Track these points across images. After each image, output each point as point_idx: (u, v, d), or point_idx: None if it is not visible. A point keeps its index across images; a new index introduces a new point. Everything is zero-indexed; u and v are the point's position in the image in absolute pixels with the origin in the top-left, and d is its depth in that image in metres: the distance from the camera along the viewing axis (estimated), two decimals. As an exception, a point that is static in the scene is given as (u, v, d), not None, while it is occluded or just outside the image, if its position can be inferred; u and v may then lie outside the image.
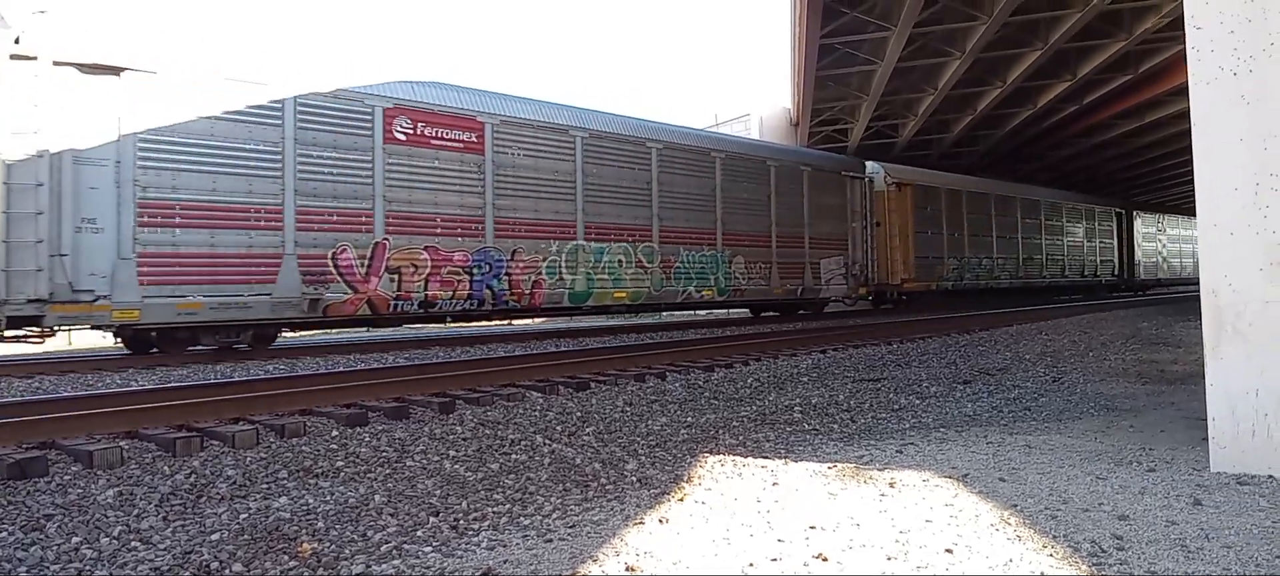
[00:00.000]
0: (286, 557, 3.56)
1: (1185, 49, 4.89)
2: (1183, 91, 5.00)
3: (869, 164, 23.22)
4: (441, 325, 19.21)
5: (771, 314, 22.06)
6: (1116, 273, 36.23)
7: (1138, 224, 38.20)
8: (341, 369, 10.03)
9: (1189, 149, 4.87)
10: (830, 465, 5.09)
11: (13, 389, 8.77)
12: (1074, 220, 33.38)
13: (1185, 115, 4.87)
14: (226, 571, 3.41)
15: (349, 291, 12.36)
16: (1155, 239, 40.02)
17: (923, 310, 23.14)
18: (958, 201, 26.19)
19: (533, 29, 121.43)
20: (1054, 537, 3.55)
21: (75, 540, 3.73)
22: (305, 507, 4.21)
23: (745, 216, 18.99)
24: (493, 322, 20.98)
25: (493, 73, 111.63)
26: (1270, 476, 4.43)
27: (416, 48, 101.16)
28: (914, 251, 23.85)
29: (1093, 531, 3.63)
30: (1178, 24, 5.04)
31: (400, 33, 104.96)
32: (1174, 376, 9.23)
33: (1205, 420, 4.77)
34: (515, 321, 21.38)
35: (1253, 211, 4.56)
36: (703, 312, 24.80)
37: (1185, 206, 43.49)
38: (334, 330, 18.05)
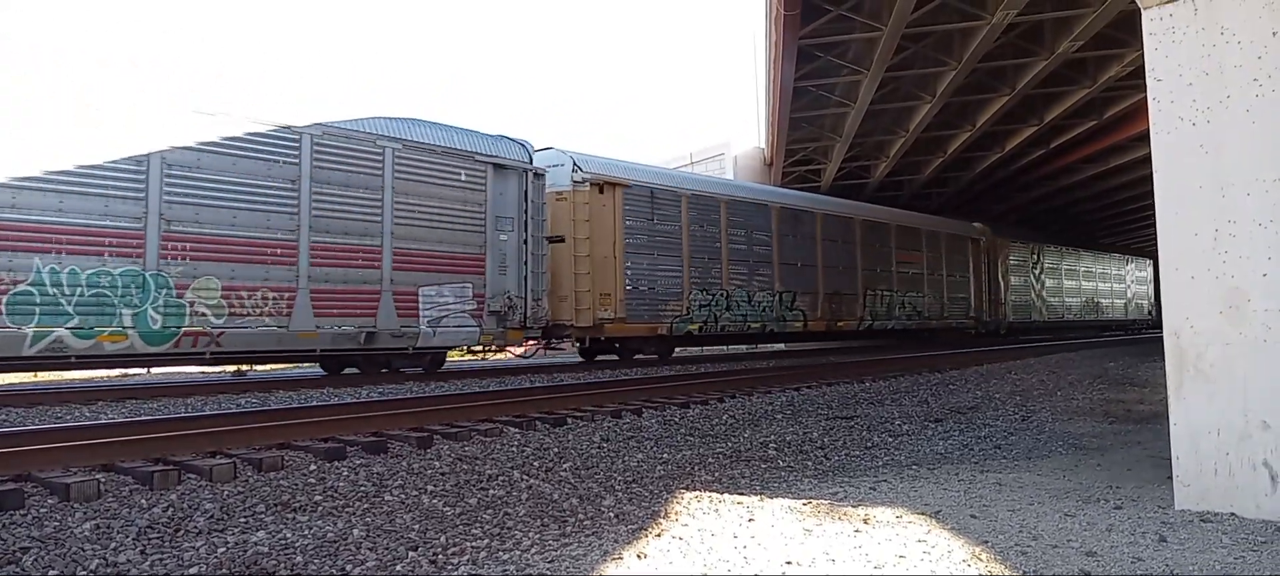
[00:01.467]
0: (266, 591, 3.57)
1: (1147, 98, 5.08)
2: (1145, 137, 5.18)
3: (547, 151, 17.06)
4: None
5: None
6: (975, 313, 29.20)
7: (1011, 258, 31.66)
8: (315, 403, 9.98)
9: (1151, 193, 5.04)
10: (805, 501, 5.16)
11: (-20, 421, 8.65)
12: (909, 246, 25.87)
13: (1148, 160, 5.06)
14: (207, 605, 3.41)
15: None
16: (1027, 273, 32.86)
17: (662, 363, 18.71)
18: (711, 214, 19.26)
19: (500, 62, 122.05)
20: (1024, 573, 3.64)
21: (52, 573, 3.71)
22: (283, 541, 4.21)
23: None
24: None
25: (465, 107, 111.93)
26: (1233, 514, 4.55)
27: (397, 88, 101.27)
28: (624, 280, 17.29)
29: (1062, 567, 3.71)
30: (1140, 72, 5.23)
31: (380, 73, 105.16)
32: (1140, 416, 9.41)
33: (1170, 459, 4.90)
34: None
35: (1212, 256, 4.73)
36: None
37: (1148, 249, 44.31)
38: (306, 364, 17.93)
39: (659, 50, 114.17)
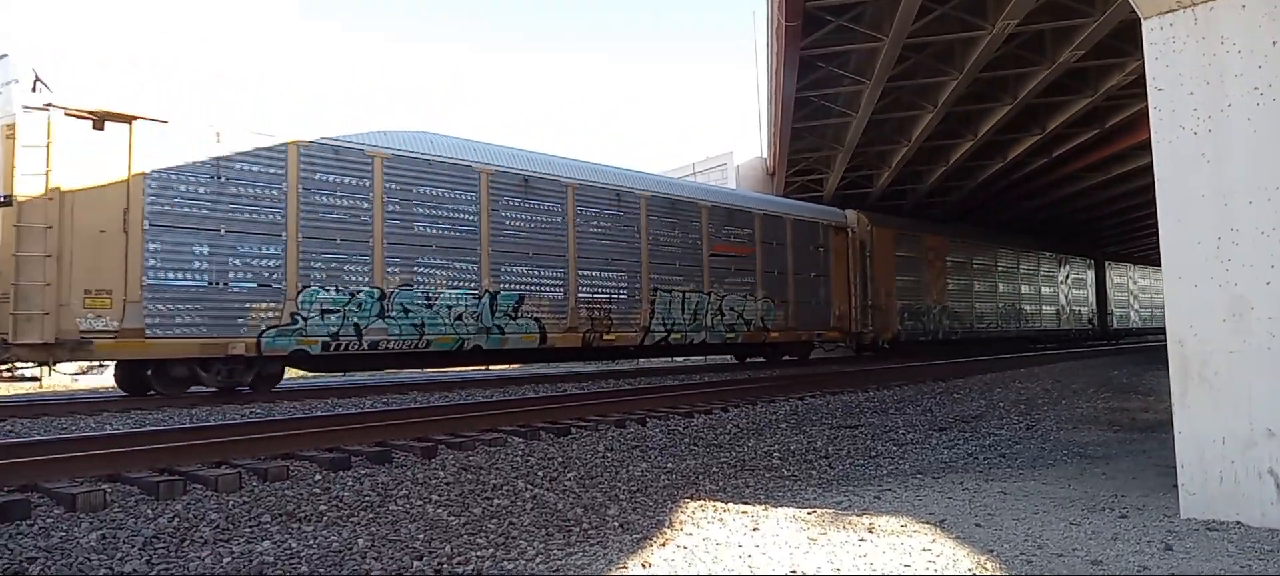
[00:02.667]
0: (273, 601, 3.58)
1: (1148, 107, 5.09)
2: (1147, 146, 5.19)
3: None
4: (420, 370, 18.73)
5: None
6: (839, 322, 23.22)
7: (899, 253, 26.08)
8: (320, 413, 10.00)
9: (1154, 202, 5.05)
10: (810, 510, 5.16)
11: (-15, 432, 8.67)
12: (733, 236, 19.89)
13: (1150, 169, 5.07)
14: (213, 614, 3.42)
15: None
16: (923, 272, 27.46)
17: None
18: (354, 170, 13.22)
19: (505, 71, 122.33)
20: (1030, 581, 3.64)
21: (59, 583, 3.73)
22: (289, 551, 4.22)
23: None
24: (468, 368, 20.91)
25: (468, 119, 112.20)
26: (1238, 522, 4.54)
27: (399, 101, 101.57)
28: (144, 270, 11.27)
29: (1067, 575, 3.71)
30: (1142, 81, 5.24)
31: (381, 87, 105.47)
32: (1145, 424, 9.40)
33: (1175, 467, 4.89)
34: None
35: (1215, 264, 4.73)
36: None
37: (1153, 258, 44.25)
38: (312, 374, 17.96)
39: (664, 60, 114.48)
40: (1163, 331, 4.95)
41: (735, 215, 20.23)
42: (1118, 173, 28.62)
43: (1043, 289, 35.44)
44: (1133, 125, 23.28)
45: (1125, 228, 42.54)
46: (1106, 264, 41.75)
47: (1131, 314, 45.36)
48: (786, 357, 22.71)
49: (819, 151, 26.12)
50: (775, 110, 22.41)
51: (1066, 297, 37.61)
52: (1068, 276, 37.98)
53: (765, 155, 28.96)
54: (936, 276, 28.05)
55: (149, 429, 7.88)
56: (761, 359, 22.62)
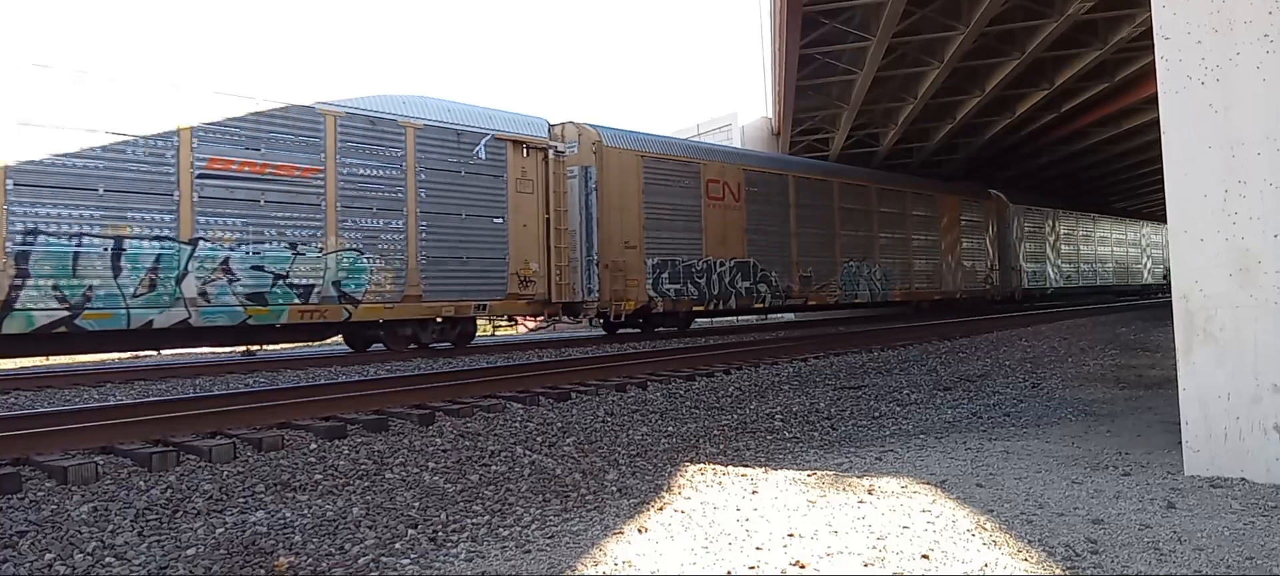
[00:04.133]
0: (262, 572, 3.55)
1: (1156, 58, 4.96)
2: (1156, 100, 5.07)
3: None
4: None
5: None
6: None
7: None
8: (322, 381, 9.98)
9: (1162, 157, 4.93)
10: (810, 473, 5.11)
11: (-12, 405, 8.68)
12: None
13: (1159, 123, 4.94)
14: (202, 586, 3.39)
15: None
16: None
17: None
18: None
19: (508, 33, 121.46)
20: (1029, 542, 3.58)
21: (48, 556, 3.70)
22: (282, 521, 4.19)
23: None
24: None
25: (472, 79, 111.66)
26: (1243, 478, 4.48)
27: (402, 57, 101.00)
28: None
29: (1067, 535, 3.66)
30: (1151, 33, 5.11)
31: (383, 43, 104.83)
32: (1151, 381, 9.32)
33: (1180, 424, 4.82)
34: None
35: (1222, 217, 4.63)
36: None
37: (1159, 214, 43.83)
38: (316, 343, 18.00)
39: (666, 20, 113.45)
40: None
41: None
42: (1127, 127, 28.32)
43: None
44: (1142, 79, 22.99)
45: (1136, 184, 42.20)
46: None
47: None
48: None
49: (824, 110, 25.86)
50: (779, 69, 22.15)
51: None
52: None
53: (770, 115, 28.69)
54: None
55: (145, 400, 7.86)
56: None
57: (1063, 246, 33.62)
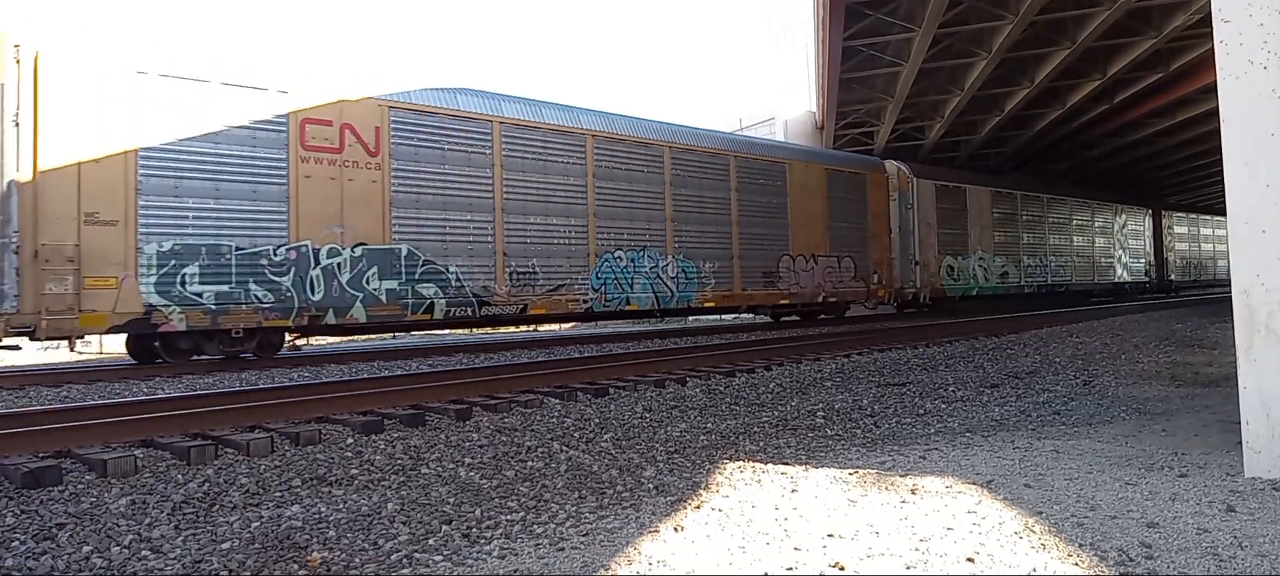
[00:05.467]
0: (296, 566, 3.53)
1: (1214, 43, 4.75)
2: (1214, 89, 4.86)
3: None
4: (467, 331, 19.39)
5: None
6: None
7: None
8: (365, 375, 10.04)
9: (1220, 148, 4.73)
10: (851, 471, 4.99)
11: (41, 397, 8.85)
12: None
13: (1216, 114, 4.74)
14: (234, 581, 3.38)
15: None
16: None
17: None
18: None
19: (550, 33, 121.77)
20: (1080, 546, 3.44)
21: (86, 549, 3.72)
22: (317, 516, 4.18)
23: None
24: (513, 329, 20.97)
25: (513, 76, 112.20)
26: (1307, 482, 4.28)
27: (432, 51, 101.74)
28: None
29: (1120, 539, 3.51)
30: (1208, 20, 4.90)
31: (418, 37, 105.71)
32: (1208, 379, 9.02)
33: (1239, 424, 4.62)
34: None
35: (1286, 208, 4.42)
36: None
37: (1218, 206, 42.56)
38: (358, 337, 18.18)
39: (707, 13, 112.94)
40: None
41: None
42: (1182, 118, 27.58)
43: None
44: (1198, 68, 22.36)
45: (1191, 177, 41.14)
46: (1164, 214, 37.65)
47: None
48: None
49: (869, 103, 25.54)
50: (823, 62, 21.91)
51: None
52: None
53: (814, 109, 28.39)
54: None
55: (187, 394, 7.95)
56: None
57: (997, 234, 26.31)
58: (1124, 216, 33.60)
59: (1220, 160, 4.75)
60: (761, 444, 6.07)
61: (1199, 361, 10.77)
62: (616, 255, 15.61)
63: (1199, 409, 7.09)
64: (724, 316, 23.17)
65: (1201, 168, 38.13)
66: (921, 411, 7.43)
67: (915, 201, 22.66)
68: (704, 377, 9.36)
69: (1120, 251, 32.97)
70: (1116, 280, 32.36)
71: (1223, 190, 4.75)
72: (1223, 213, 29.77)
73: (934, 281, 23.11)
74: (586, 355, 12.19)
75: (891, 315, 23.66)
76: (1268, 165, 4.49)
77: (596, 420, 6.79)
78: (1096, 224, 31.60)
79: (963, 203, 24.81)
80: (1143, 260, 34.64)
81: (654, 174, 16.49)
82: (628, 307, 15.71)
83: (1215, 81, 4.76)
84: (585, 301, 14.91)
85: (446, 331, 18.91)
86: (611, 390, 8.35)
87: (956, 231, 24.42)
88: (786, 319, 20.78)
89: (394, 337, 18.90)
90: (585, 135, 15.31)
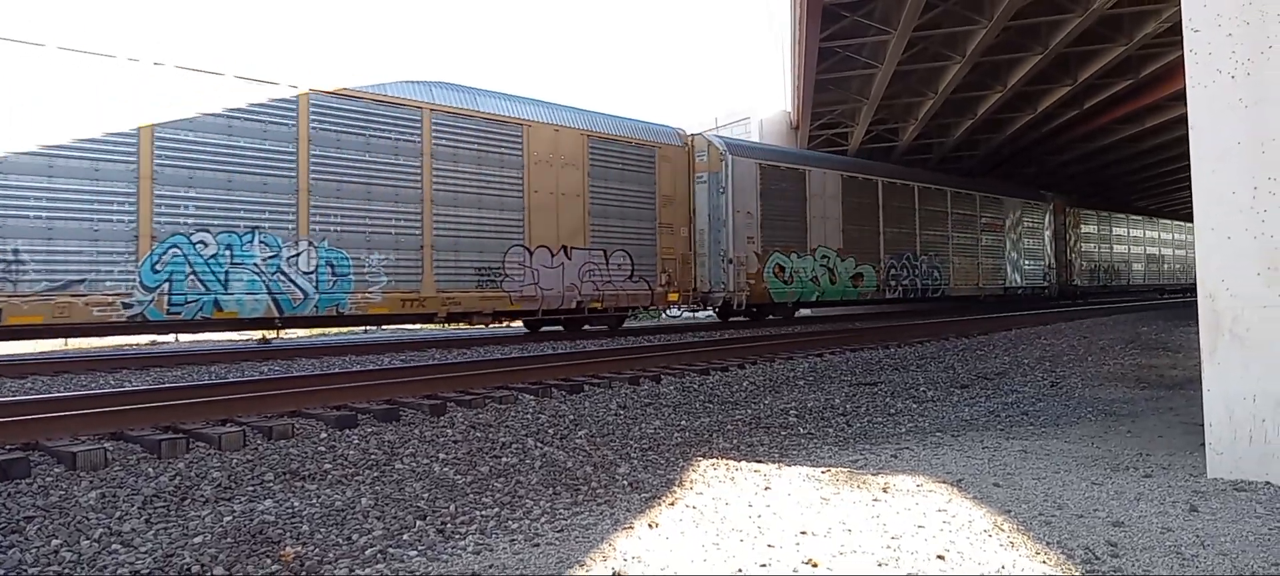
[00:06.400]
0: (269, 561, 3.51)
1: (1183, 52, 4.84)
2: (1183, 96, 4.95)
3: None
4: (440, 327, 18.81)
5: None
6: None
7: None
8: (337, 370, 9.97)
9: (1188, 154, 4.82)
10: (824, 469, 5.04)
11: (4, 389, 8.72)
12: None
13: (1185, 120, 4.83)
14: (208, 574, 3.36)
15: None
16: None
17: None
18: None
19: (526, 30, 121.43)
20: (1047, 544, 3.50)
21: (55, 542, 3.68)
22: (290, 510, 4.16)
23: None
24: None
25: (490, 72, 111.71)
26: (1267, 482, 4.37)
27: (415, 47, 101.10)
28: None
29: (1087, 537, 3.57)
30: (1178, 28, 4.99)
31: (396, 32, 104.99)
32: (1173, 381, 9.18)
33: (1203, 425, 4.72)
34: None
35: (1250, 215, 4.51)
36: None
37: (1184, 212, 43.11)
38: (332, 330, 18.04)
39: (681, 13, 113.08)
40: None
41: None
42: (1151, 125, 27.97)
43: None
44: (1167, 75, 22.68)
45: (1159, 183, 41.72)
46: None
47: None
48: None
49: (844, 104, 25.68)
50: (799, 62, 21.99)
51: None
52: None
53: (789, 109, 28.52)
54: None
55: (158, 387, 7.87)
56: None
57: (851, 228, 21.62)
58: (1018, 211, 29.18)
59: (1188, 167, 4.84)
60: (735, 441, 6.11)
61: (1164, 364, 10.95)
62: (197, 239, 11.22)
63: (1163, 410, 7.21)
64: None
65: (1170, 173, 38.68)
66: (893, 411, 7.50)
67: (731, 185, 18.10)
68: (678, 375, 9.39)
69: (1013, 252, 28.69)
70: (1007, 284, 28.21)
71: (1190, 196, 4.84)
72: (1178, 217, 30.22)
73: (755, 284, 18.63)
74: (561, 352, 12.19)
75: (714, 325, 20.00)
76: (1234, 173, 4.58)
77: (571, 416, 6.80)
78: (982, 220, 27.17)
79: (801, 189, 20.15)
80: (1041, 262, 30.52)
81: (284, 127, 12.05)
82: (217, 315, 11.37)
83: (1184, 88, 4.85)
84: (128, 306, 10.55)
85: (424, 327, 18.78)
86: (586, 387, 8.36)
87: (791, 223, 19.84)
88: (549, 329, 16.80)
89: (366, 332, 18.78)
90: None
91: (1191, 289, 39.92)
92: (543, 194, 15.16)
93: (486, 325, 15.07)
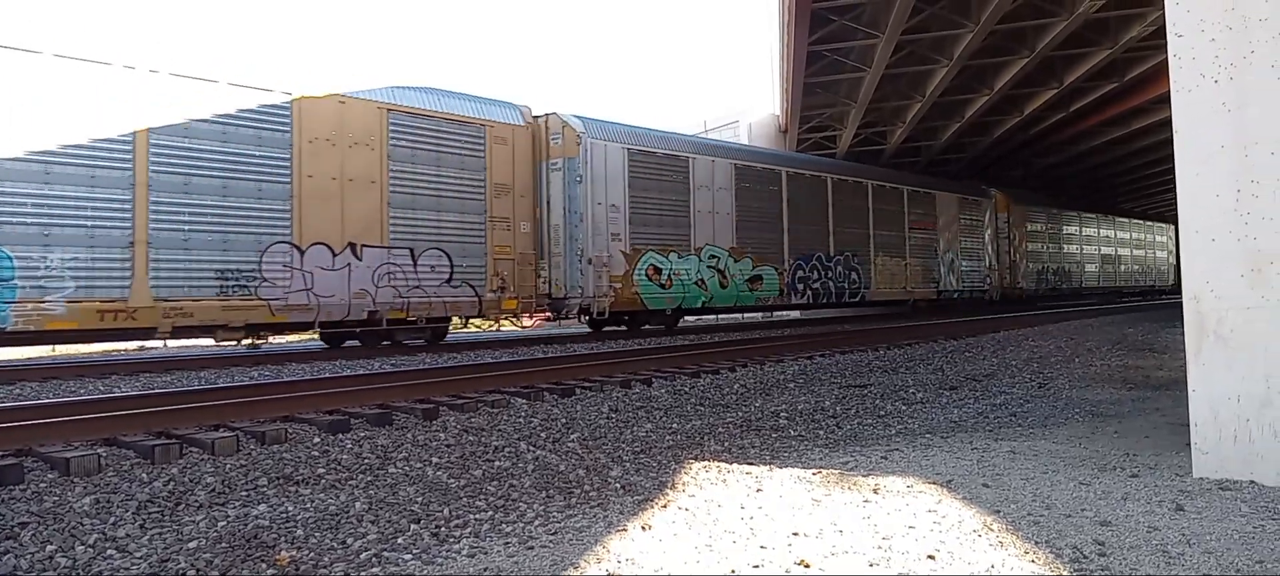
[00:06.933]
0: (264, 565, 3.53)
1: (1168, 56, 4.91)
2: (1168, 99, 5.02)
3: None
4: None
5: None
6: None
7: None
8: (327, 374, 9.96)
9: (1173, 157, 4.89)
10: (815, 471, 5.08)
11: (-7, 395, 8.68)
12: None
13: (1170, 123, 4.90)
14: (203, 579, 3.37)
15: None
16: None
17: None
18: None
19: (519, 33, 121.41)
20: (1036, 543, 3.55)
21: (50, 548, 3.68)
22: (285, 515, 4.17)
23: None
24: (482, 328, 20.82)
25: (479, 76, 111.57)
26: (1252, 481, 4.43)
27: (400, 49, 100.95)
28: None
29: (1075, 537, 3.62)
30: (1162, 32, 5.06)
31: (381, 35, 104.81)
32: (1159, 382, 9.27)
33: (1188, 426, 4.78)
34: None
35: (1234, 218, 4.58)
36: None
37: (1169, 214, 43.36)
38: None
39: (672, 17, 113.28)
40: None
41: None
42: (1136, 127, 28.21)
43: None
44: (1153, 78, 22.89)
45: (1145, 184, 42.02)
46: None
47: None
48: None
49: (832, 107, 25.80)
50: (788, 65, 22.10)
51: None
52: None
53: (778, 112, 28.64)
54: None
55: (150, 392, 7.85)
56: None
57: (747, 225, 19.03)
58: (953, 208, 26.66)
59: (1172, 169, 4.90)
60: (726, 444, 6.14)
61: (1150, 365, 11.05)
62: None
63: (1149, 411, 7.29)
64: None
65: (1155, 176, 38.98)
66: (882, 413, 7.56)
67: (589, 173, 15.59)
68: (669, 378, 9.42)
69: (949, 253, 26.18)
70: (942, 288, 25.72)
71: (1175, 198, 4.91)
72: (1151, 217, 30.37)
73: (623, 288, 16.12)
74: (551, 355, 12.21)
75: (583, 336, 17.38)
76: (1218, 176, 4.65)
77: (563, 420, 6.82)
78: (911, 217, 24.56)
79: (683, 179, 17.58)
80: (981, 264, 28.07)
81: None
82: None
83: (1169, 91, 4.92)
84: None
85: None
86: (577, 390, 8.38)
87: (670, 218, 17.26)
88: (412, 341, 14.40)
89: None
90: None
91: (1152, 292, 40.33)
92: (321, 179, 12.45)
93: (239, 342, 12.27)
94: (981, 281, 28.04)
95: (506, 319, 16.20)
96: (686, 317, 19.50)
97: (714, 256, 18.09)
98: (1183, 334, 4.82)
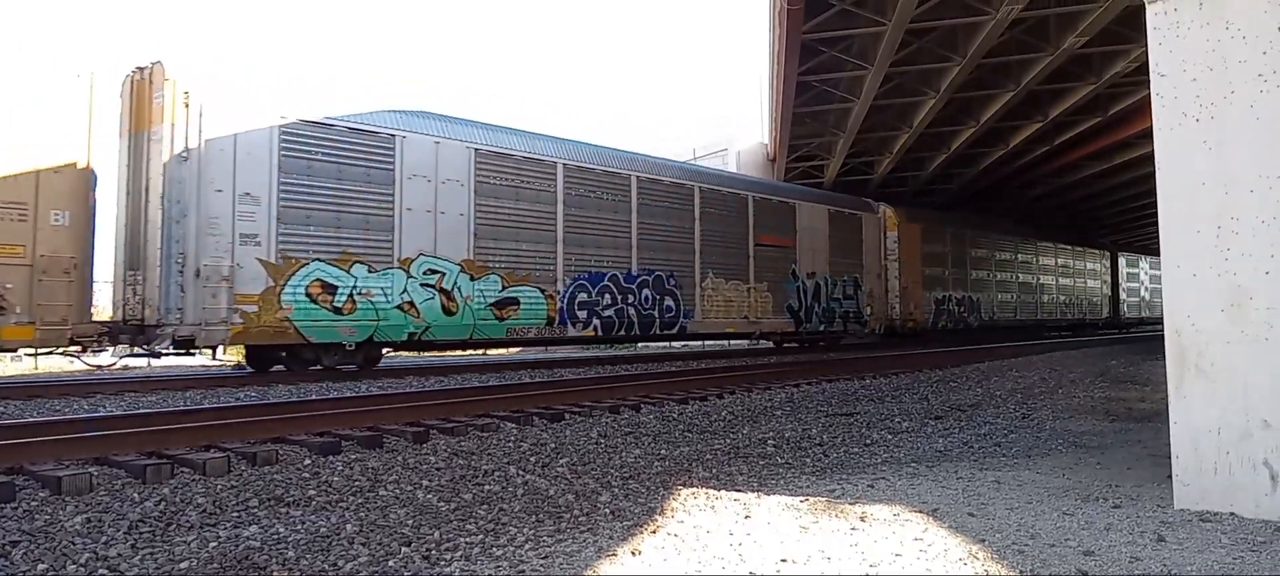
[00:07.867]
0: (256, 586, 3.54)
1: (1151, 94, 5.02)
2: (1150, 134, 5.13)
3: None
4: (417, 353, 18.32)
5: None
6: None
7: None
8: (314, 397, 9.95)
9: (1155, 191, 4.99)
10: (802, 498, 5.12)
11: (-22, 413, 8.63)
12: None
13: (1152, 158, 5.01)
14: (195, 600, 3.38)
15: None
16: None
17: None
18: None
19: (507, 58, 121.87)
20: (1021, 572, 3.60)
21: (41, 567, 3.69)
22: (275, 536, 4.18)
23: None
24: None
25: (469, 101, 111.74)
26: (1232, 513, 4.50)
27: (393, 72, 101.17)
28: None
29: (1059, 566, 3.67)
30: (1145, 68, 5.18)
31: (373, 58, 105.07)
32: (1141, 414, 9.36)
33: (1170, 457, 4.85)
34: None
35: (1215, 253, 4.68)
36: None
37: (1152, 247, 43.63)
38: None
39: (662, 46, 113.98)
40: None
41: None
42: (1120, 161, 28.52)
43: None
44: (1135, 113, 23.16)
45: (1127, 217, 42.39)
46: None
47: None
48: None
49: (820, 137, 26.00)
50: (777, 95, 22.27)
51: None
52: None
53: (766, 141, 28.84)
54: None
55: (139, 412, 7.83)
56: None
57: (445, 223, 13.58)
58: (821, 223, 22.63)
59: (1155, 203, 5.01)
60: (714, 470, 6.18)
61: (1132, 397, 11.16)
62: None
63: (1132, 442, 7.37)
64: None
65: (1139, 210, 39.35)
66: (869, 441, 7.61)
67: (204, 148, 11.29)
68: (658, 405, 9.46)
69: (815, 278, 22.11)
70: (803, 321, 21.51)
71: (1156, 231, 5.01)
72: (1145, 252, 30.60)
73: (262, 312, 11.67)
74: (541, 380, 12.23)
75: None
76: (1199, 212, 4.75)
77: (552, 445, 6.85)
78: (757, 232, 20.32)
79: (385, 162, 13.07)
80: (860, 291, 23.93)
81: None
82: None
83: (1151, 127, 5.03)
84: None
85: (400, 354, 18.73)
86: (567, 415, 8.41)
87: (357, 217, 12.67)
88: None
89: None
90: None
91: (1083, 325, 39.05)
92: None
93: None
94: (860, 312, 23.70)
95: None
96: (406, 352, 15.75)
97: (436, 273, 13.63)
98: (1164, 366, 4.90)
